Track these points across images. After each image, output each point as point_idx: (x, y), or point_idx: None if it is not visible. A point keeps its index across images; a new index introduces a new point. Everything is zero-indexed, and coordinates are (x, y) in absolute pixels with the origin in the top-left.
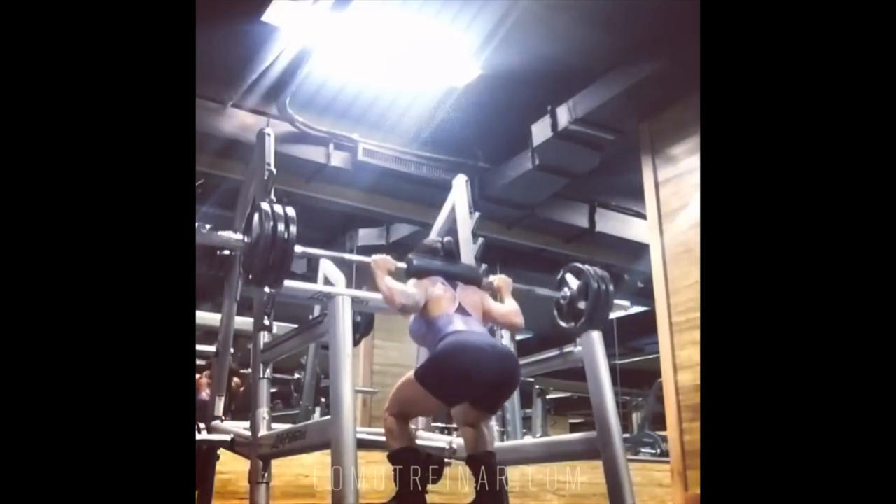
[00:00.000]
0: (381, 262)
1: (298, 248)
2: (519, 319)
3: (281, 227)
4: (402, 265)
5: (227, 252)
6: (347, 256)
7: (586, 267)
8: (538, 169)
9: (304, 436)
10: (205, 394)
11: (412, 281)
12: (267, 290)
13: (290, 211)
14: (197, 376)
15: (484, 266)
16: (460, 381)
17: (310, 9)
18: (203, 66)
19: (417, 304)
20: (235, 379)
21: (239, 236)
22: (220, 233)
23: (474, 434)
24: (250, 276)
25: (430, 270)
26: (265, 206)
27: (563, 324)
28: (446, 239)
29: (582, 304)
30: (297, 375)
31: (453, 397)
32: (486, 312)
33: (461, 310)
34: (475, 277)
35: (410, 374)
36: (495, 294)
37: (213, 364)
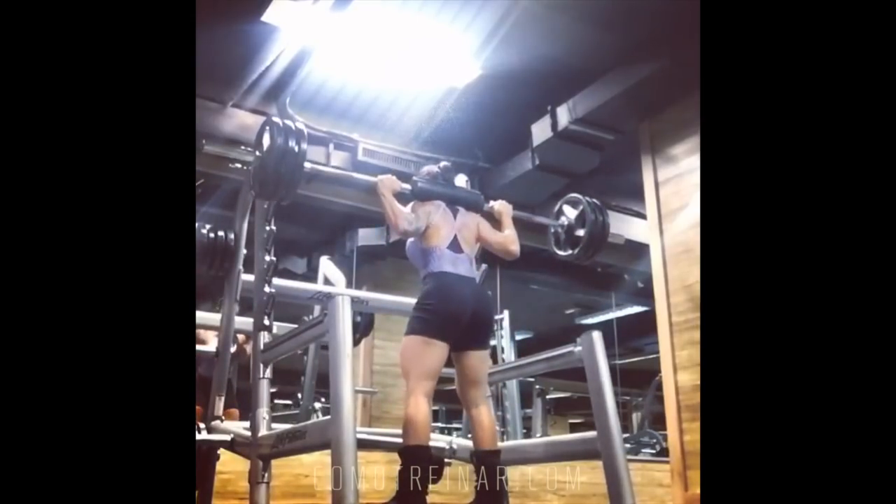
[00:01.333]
0: (388, 181)
1: (308, 164)
2: (515, 247)
3: (292, 140)
4: (407, 187)
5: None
6: (356, 176)
7: (584, 197)
8: (538, 169)
9: (304, 436)
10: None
11: (415, 204)
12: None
13: (301, 126)
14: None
15: (484, 266)
16: (442, 318)
17: (310, 9)
18: (203, 66)
19: (418, 230)
20: (241, 335)
21: (250, 151)
22: (232, 147)
23: (479, 418)
24: (262, 189)
25: (433, 194)
26: (277, 120)
27: (560, 252)
28: (443, 164)
29: (580, 232)
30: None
31: (444, 329)
32: (483, 238)
33: (455, 244)
34: (476, 203)
35: (404, 338)
36: (495, 219)
37: (214, 364)
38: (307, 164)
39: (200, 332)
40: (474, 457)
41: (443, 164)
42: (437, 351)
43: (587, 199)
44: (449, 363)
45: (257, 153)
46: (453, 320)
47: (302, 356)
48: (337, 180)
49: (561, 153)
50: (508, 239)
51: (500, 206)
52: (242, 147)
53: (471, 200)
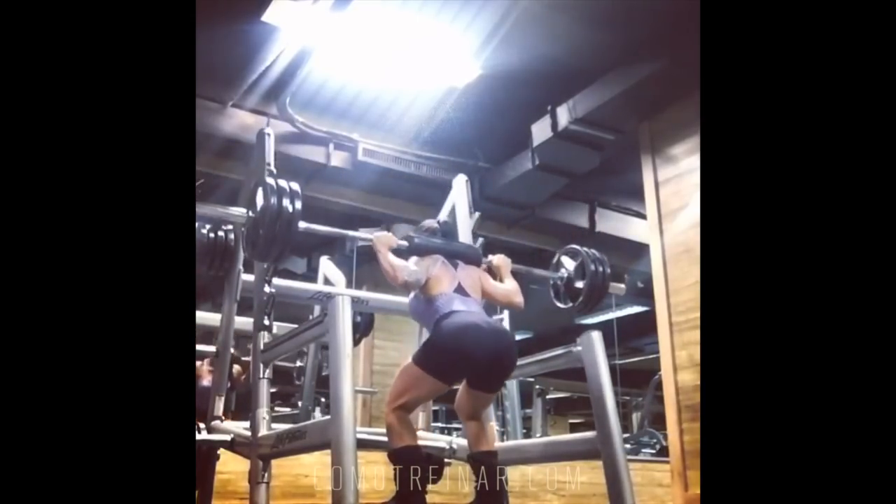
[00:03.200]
0: (384, 238)
1: (302, 224)
2: (518, 298)
3: (286, 200)
4: (404, 243)
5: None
6: (350, 233)
7: (582, 248)
8: (538, 169)
9: (304, 436)
10: (206, 381)
11: (413, 259)
12: (266, 275)
13: (295, 186)
14: (197, 363)
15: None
16: (458, 359)
17: (310, 9)
18: (203, 66)
19: (419, 282)
20: (236, 366)
21: (242, 211)
22: (223, 208)
23: (476, 429)
24: (254, 250)
25: (431, 249)
26: (269, 180)
27: (560, 304)
28: (443, 220)
29: (579, 284)
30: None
31: (452, 375)
32: (486, 292)
33: (460, 290)
34: (475, 257)
35: (408, 361)
36: (495, 274)
37: (214, 360)
38: (301, 224)
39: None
40: (471, 458)
41: (442, 219)
42: (431, 388)
43: (586, 250)
44: None
45: (249, 213)
46: (466, 359)
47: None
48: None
49: (561, 153)
50: (511, 291)
51: (499, 259)
52: (233, 209)
53: (469, 254)
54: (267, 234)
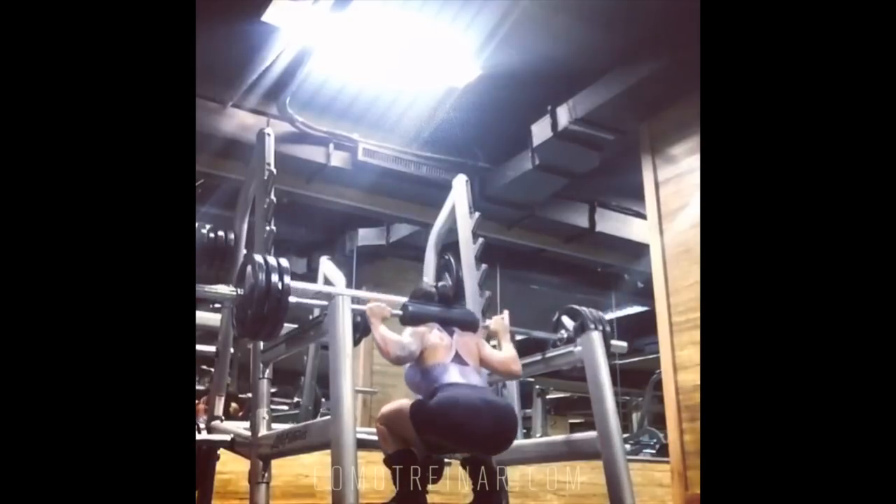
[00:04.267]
0: (377, 310)
1: (293, 299)
2: (516, 367)
3: (275, 277)
4: (398, 313)
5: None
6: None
7: (582, 308)
8: (538, 169)
9: (304, 436)
10: (201, 421)
11: (408, 330)
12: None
13: (284, 262)
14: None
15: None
16: (452, 439)
17: (310, 9)
18: (203, 66)
19: (413, 355)
20: (234, 404)
21: (231, 289)
22: (211, 287)
23: None
24: (243, 329)
25: (425, 317)
26: (258, 257)
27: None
28: (441, 284)
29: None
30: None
31: (440, 449)
32: (484, 360)
33: (458, 358)
34: (472, 323)
35: (407, 404)
36: (492, 339)
37: (214, 365)
38: (291, 298)
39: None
40: (469, 462)
41: (441, 283)
42: (419, 444)
43: (586, 310)
44: None
45: (238, 291)
46: (457, 440)
47: (302, 356)
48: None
49: (561, 153)
50: (509, 358)
51: (496, 323)
52: (224, 287)
53: (466, 320)
54: (257, 313)
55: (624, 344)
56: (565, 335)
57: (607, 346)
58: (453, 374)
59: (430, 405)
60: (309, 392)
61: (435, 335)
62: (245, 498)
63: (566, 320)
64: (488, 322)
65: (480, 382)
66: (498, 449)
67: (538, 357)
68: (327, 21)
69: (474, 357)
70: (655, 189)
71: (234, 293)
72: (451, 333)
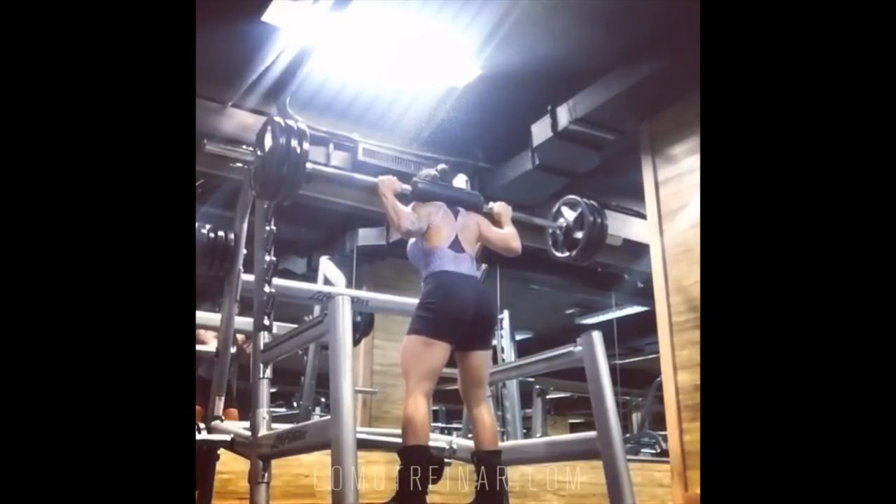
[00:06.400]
0: (388, 182)
1: (309, 165)
2: (516, 243)
3: (294, 140)
4: (408, 188)
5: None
6: (356, 176)
7: (582, 199)
8: (538, 169)
9: (304, 436)
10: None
11: (416, 205)
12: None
13: (303, 125)
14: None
15: (484, 266)
16: (445, 318)
17: (310, 9)
18: (203, 66)
19: (420, 230)
20: (241, 336)
21: (250, 150)
22: (230, 147)
23: (479, 422)
24: (262, 189)
25: (434, 195)
26: (278, 119)
27: (558, 254)
28: (440, 167)
29: (578, 234)
30: None
31: (445, 329)
32: (485, 237)
33: (456, 244)
34: (476, 203)
35: (405, 338)
36: (495, 220)
37: (214, 364)
38: (308, 164)
39: (200, 332)
40: (475, 456)
41: (440, 166)
42: (438, 351)
43: (585, 200)
44: (451, 363)
45: (258, 153)
46: (455, 319)
47: (302, 356)
48: (337, 180)
49: (561, 153)
50: (509, 235)
51: (500, 206)
52: (244, 147)
53: (471, 201)
54: (276, 173)
55: (620, 237)
56: (564, 224)
57: (604, 236)
58: (449, 263)
59: (424, 293)
60: (309, 392)
61: (441, 215)
62: (245, 498)
63: (566, 210)
64: (492, 204)
65: (470, 271)
66: (485, 325)
67: (538, 357)
68: (327, 21)
69: (472, 243)
70: (655, 189)
71: (254, 153)
72: (455, 214)
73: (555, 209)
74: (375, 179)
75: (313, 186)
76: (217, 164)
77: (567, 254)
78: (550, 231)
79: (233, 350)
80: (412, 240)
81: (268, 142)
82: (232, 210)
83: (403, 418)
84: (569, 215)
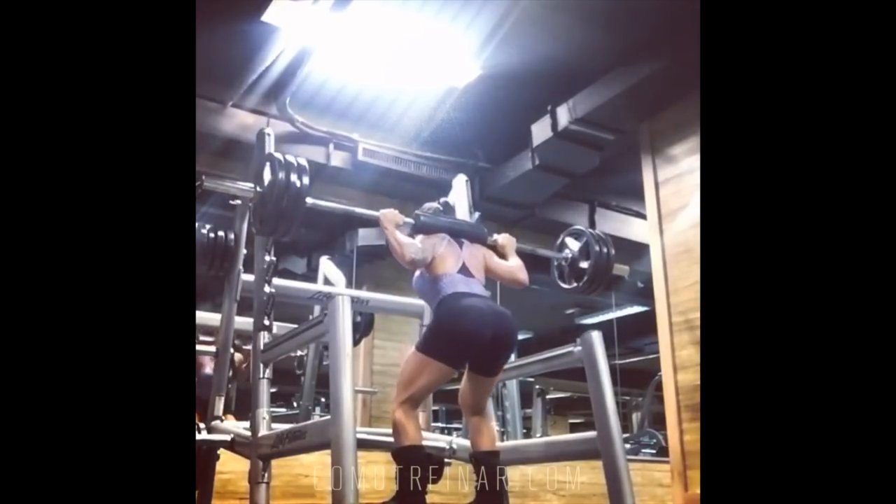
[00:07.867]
0: (390, 215)
1: (309, 200)
2: (523, 275)
3: (294, 176)
4: (410, 220)
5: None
6: (357, 210)
7: (587, 229)
8: (538, 169)
9: (304, 436)
10: (207, 369)
11: (419, 237)
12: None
13: (303, 161)
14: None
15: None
16: (461, 340)
17: (310, 9)
18: (203, 66)
19: (425, 260)
20: (238, 355)
21: (250, 185)
22: (231, 182)
23: (478, 427)
24: (262, 226)
25: (436, 227)
26: (278, 155)
27: (564, 285)
28: (443, 200)
29: (584, 264)
30: None
31: (456, 357)
32: (491, 269)
33: (464, 270)
34: (480, 235)
35: (411, 350)
36: (499, 252)
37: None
38: (308, 199)
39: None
40: (473, 457)
41: (443, 199)
42: (438, 374)
43: (591, 231)
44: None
45: (257, 188)
46: (468, 340)
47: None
48: (338, 212)
49: (561, 153)
50: (515, 268)
51: (504, 238)
52: (241, 184)
53: (474, 232)
54: (275, 210)
55: (626, 267)
56: (569, 255)
57: (611, 267)
58: (459, 285)
59: (437, 315)
60: (309, 392)
61: (444, 245)
62: (245, 498)
63: (570, 241)
64: (496, 236)
65: (483, 293)
66: (502, 353)
67: (538, 357)
68: (327, 21)
69: (480, 269)
70: (655, 189)
71: (254, 189)
72: (460, 245)
73: (559, 240)
74: (377, 213)
75: (313, 186)
76: (217, 165)
77: (574, 285)
78: (556, 263)
79: (231, 363)
80: (417, 272)
81: (266, 177)
82: (232, 210)
83: (392, 423)
84: (573, 246)
